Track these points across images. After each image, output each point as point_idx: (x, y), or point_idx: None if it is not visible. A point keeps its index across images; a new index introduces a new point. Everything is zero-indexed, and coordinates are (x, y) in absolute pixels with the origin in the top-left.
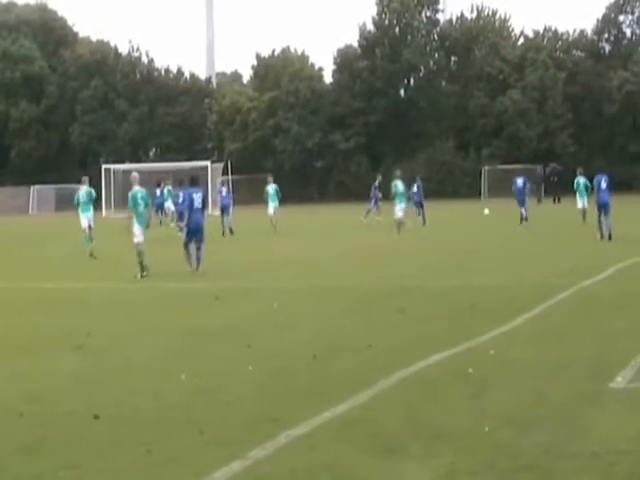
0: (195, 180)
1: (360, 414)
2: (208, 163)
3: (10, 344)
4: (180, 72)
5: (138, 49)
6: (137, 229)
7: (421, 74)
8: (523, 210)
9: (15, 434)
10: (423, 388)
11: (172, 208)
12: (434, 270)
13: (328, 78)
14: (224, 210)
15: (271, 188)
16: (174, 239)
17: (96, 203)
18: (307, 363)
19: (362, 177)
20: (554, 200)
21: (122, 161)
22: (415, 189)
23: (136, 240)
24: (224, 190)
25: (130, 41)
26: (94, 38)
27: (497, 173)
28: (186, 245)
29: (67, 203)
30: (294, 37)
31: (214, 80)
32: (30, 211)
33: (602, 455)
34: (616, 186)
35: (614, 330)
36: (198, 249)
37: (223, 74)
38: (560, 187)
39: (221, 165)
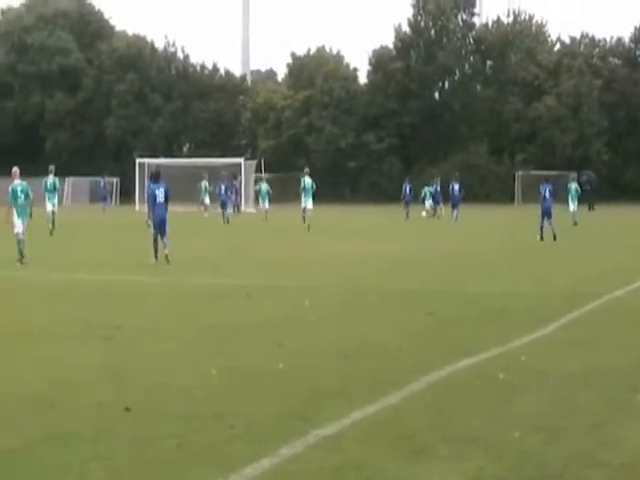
0: (157, 176)
1: (389, 415)
2: (241, 160)
3: (41, 333)
4: (215, 68)
5: (174, 44)
6: (17, 220)
7: (456, 77)
8: (547, 222)
9: (45, 424)
10: (453, 392)
11: (207, 202)
12: (463, 274)
13: (363, 79)
14: (223, 204)
15: (307, 181)
16: (211, 232)
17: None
18: (337, 362)
19: (394, 178)
20: (589, 207)
21: (156, 155)
22: (457, 189)
23: (16, 230)
24: (223, 186)
25: (166, 36)
26: (130, 32)
27: (530, 179)
28: (155, 239)
29: (102, 196)
30: (330, 37)
31: (249, 77)
32: (64, 202)
33: (632, 466)
34: None
35: None
36: (161, 239)
37: (258, 72)
38: (594, 195)
39: (254, 162)
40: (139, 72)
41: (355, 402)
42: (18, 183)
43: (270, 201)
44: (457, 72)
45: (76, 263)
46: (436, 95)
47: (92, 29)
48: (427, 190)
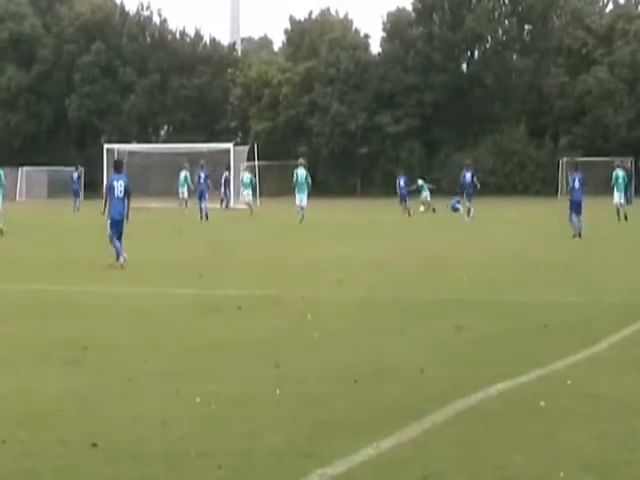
0: (119, 166)
1: (408, 452)
2: (230, 145)
3: None
4: (198, 36)
5: (148, 8)
6: None
7: (487, 45)
8: (575, 218)
9: None
10: (484, 423)
11: (186, 194)
12: (496, 282)
13: (375, 47)
14: (201, 195)
15: (301, 174)
16: (194, 232)
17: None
18: (346, 389)
19: (415, 166)
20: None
21: (128, 140)
22: (469, 178)
23: None
24: (202, 174)
25: None
26: None
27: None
28: (112, 238)
29: (61, 189)
30: None
31: (239, 47)
32: (18, 197)
33: None
34: None
35: None
36: (118, 239)
37: (249, 40)
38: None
39: (246, 148)
40: (107, 41)
41: (367, 436)
42: None
43: (254, 193)
44: (489, 39)
45: (34, 271)
46: (464, 67)
47: None
48: (421, 183)
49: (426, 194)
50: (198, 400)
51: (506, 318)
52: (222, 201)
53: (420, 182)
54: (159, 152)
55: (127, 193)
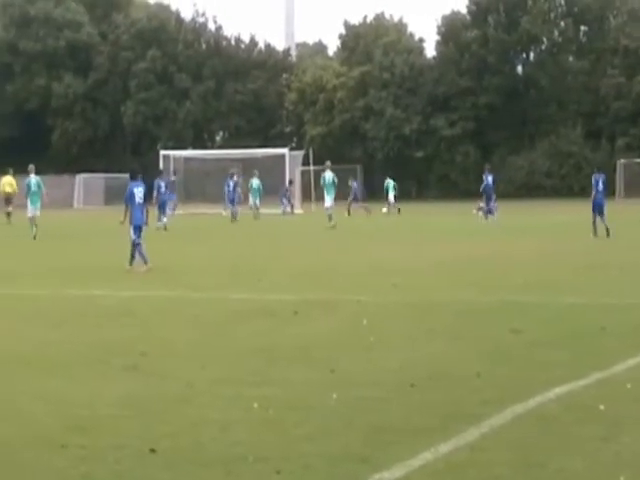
0: (135, 173)
1: (467, 456)
2: (285, 151)
3: (50, 363)
4: (253, 42)
5: (204, 14)
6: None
7: (543, 47)
8: (599, 219)
9: (56, 468)
10: (543, 427)
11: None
12: (553, 284)
13: (430, 51)
14: (232, 202)
15: (328, 177)
16: (244, 237)
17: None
18: (403, 393)
19: (469, 170)
20: None
21: (183, 146)
22: (490, 181)
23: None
24: (232, 182)
25: (194, 5)
26: (152, 1)
27: (636, 167)
28: (136, 243)
29: (118, 195)
30: (390, 1)
31: (293, 52)
32: (75, 204)
33: None
34: None
35: None
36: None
37: (304, 45)
38: None
39: (301, 153)
40: (162, 48)
41: (424, 440)
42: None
43: (261, 198)
44: (544, 41)
45: (91, 276)
46: (519, 69)
47: None
48: (390, 182)
49: (393, 194)
50: (256, 405)
51: (563, 320)
52: (283, 206)
53: (389, 181)
54: (214, 158)
55: (146, 199)
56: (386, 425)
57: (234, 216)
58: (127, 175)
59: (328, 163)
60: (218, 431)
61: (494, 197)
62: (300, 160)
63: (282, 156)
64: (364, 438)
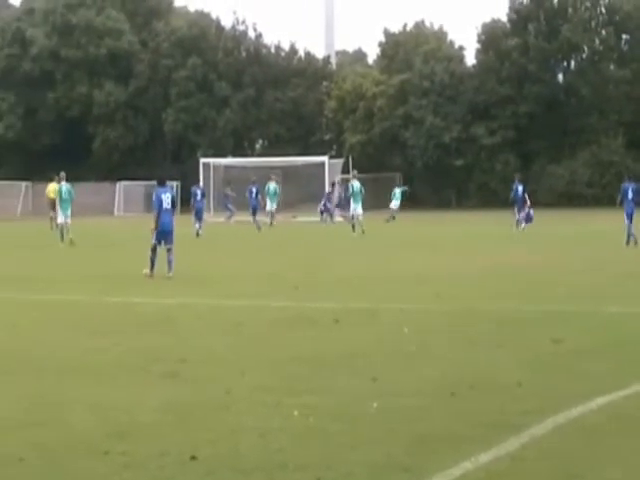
0: (162, 181)
1: (507, 466)
2: (325, 158)
3: (91, 370)
4: (293, 50)
5: (244, 22)
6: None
7: (584, 55)
8: (630, 225)
9: (98, 475)
10: (584, 437)
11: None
12: (594, 293)
13: (470, 59)
14: (254, 210)
15: (356, 185)
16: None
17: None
18: (443, 402)
19: (509, 178)
20: None
21: (223, 154)
22: (521, 191)
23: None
24: (254, 189)
25: (234, 13)
26: (192, 8)
27: None
28: (155, 248)
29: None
30: (430, 9)
31: (333, 60)
32: (116, 212)
33: None
34: None
35: None
36: (168, 251)
37: (344, 53)
38: None
39: (340, 161)
40: (202, 56)
41: (465, 449)
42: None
43: (278, 203)
44: (585, 49)
45: (131, 284)
46: (560, 77)
47: (147, 6)
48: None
49: (396, 202)
50: (296, 413)
51: (604, 330)
52: (322, 214)
53: (396, 189)
54: (254, 166)
55: (174, 204)
56: (427, 434)
57: (258, 226)
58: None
59: (355, 172)
60: (258, 438)
61: (524, 207)
62: (340, 168)
63: (322, 164)
64: (406, 447)
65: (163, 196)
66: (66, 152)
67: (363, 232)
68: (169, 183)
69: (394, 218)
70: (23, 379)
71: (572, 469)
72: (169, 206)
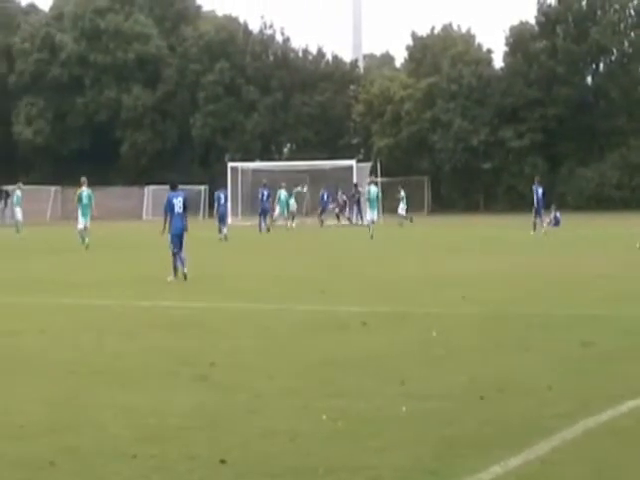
0: (174, 185)
1: (537, 470)
2: (353, 162)
3: (119, 374)
4: (321, 54)
5: (271, 26)
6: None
7: (613, 58)
8: None
9: (127, 479)
10: (615, 442)
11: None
12: (624, 296)
13: (498, 62)
14: (264, 213)
15: (373, 191)
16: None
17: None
18: (472, 405)
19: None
20: None
21: (251, 159)
22: (541, 193)
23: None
24: (265, 192)
25: (262, 17)
26: (220, 13)
27: None
28: (175, 254)
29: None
30: (458, 12)
31: (361, 63)
32: (144, 216)
33: None
34: None
35: None
36: (179, 254)
37: (372, 56)
38: None
39: (368, 165)
40: (230, 60)
41: (495, 453)
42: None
43: (288, 212)
44: (614, 51)
45: (160, 288)
46: (588, 80)
47: (175, 11)
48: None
49: (403, 206)
50: (324, 417)
51: (633, 333)
52: (349, 218)
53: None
54: (282, 170)
55: (185, 208)
56: (456, 438)
57: (262, 228)
58: (196, 187)
59: (372, 177)
60: (288, 442)
61: (538, 209)
62: (368, 172)
63: (349, 168)
64: (434, 451)
65: (175, 200)
66: (94, 157)
67: (372, 237)
68: (184, 187)
69: (411, 220)
70: (53, 383)
71: (603, 473)
72: (181, 210)
